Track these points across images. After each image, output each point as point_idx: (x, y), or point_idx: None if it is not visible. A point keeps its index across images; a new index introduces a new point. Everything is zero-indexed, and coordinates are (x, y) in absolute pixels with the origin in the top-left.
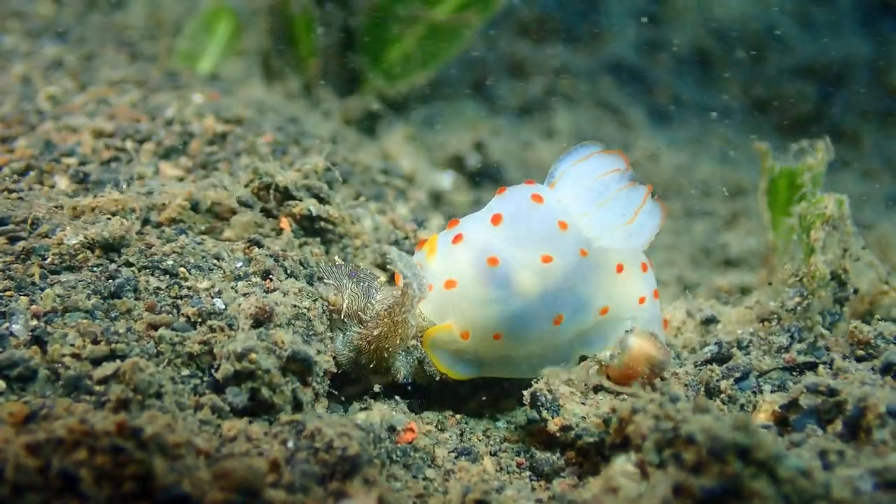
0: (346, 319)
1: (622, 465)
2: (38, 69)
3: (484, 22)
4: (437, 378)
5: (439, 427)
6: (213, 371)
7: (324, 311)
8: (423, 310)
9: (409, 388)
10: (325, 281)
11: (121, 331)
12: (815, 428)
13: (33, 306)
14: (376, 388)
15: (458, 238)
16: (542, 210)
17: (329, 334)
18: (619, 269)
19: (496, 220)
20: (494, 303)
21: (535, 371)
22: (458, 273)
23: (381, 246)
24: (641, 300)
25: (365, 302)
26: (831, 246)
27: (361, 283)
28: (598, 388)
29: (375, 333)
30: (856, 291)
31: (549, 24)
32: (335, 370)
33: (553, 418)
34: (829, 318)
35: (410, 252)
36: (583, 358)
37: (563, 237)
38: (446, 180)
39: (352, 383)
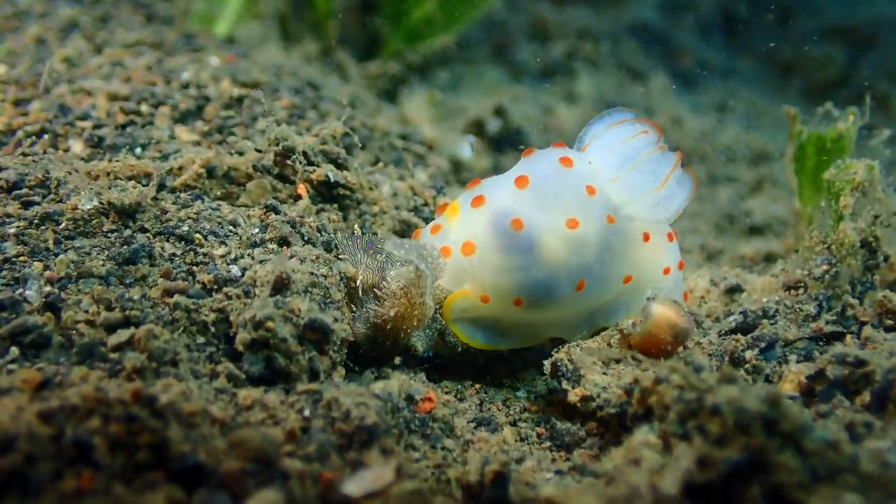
0: (362, 295)
1: (645, 436)
2: (52, 30)
3: None
4: (459, 349)
5: (458, 397)
6: (229, 339)
7: (341, 279)
8: (440, 280)
9: (429, 358)
10: (341, 255)
11: (135, 297)
12: (843, 399)
13: (47, 272)
14: (396, 360)
15: (478, 200)
16: (570, 174)
17: (346, 305)
18: (646, 237)
19: (521, 182)
20: (516, 270)
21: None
22: (478, 237)
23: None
24: (666, 271)
25: (380, 277)
26: (861, 213)
27: (376, 257)
28: (619, 360)
29: (392, 314)
30: (886, 259)
31: None
32: (352, 340)
33: (573, 388)
34: (859, 288)
35: (430, 218)
36: (603, 328)
37: (590, 202)
38: (466, 150)
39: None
